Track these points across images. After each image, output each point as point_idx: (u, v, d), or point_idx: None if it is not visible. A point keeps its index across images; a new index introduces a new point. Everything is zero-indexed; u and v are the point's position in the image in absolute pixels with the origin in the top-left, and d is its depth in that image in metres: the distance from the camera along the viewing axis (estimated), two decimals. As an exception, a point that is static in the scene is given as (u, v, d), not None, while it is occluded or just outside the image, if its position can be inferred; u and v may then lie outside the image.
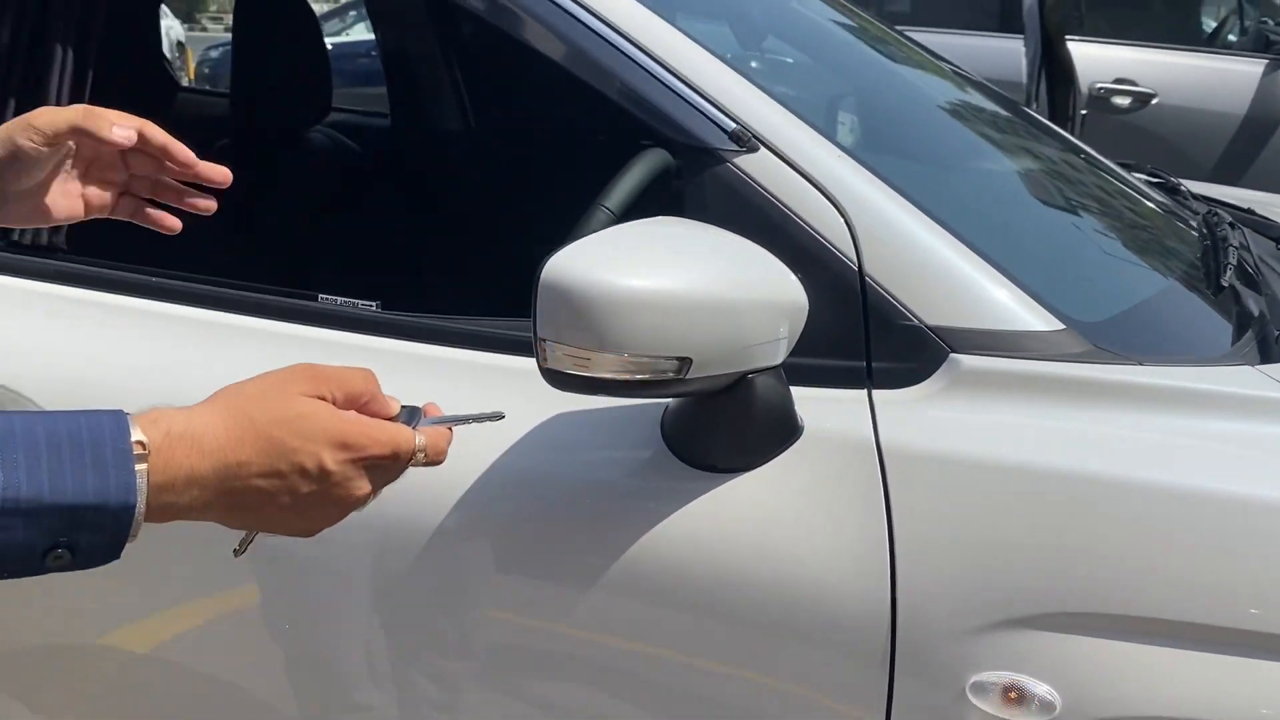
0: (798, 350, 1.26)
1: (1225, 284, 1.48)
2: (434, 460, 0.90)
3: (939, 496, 1.18)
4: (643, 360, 1.09)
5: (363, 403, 0.88)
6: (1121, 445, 1.18)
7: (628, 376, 1.09)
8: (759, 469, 1.22)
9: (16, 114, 1.22)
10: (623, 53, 1.34)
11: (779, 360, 1.19)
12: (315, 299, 1.42)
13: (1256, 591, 1.11)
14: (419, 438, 0.89)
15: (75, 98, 1.64)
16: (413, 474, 0.91)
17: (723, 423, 1.21)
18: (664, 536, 1.22)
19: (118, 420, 0.78)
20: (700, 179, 1.31)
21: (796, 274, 1.25)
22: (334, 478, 0.84)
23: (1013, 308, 1.26)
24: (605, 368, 1.08)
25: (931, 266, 1.26)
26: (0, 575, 0.75)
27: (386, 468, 0.87)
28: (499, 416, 0.94)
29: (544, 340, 1.08)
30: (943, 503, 1.18)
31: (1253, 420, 1.20)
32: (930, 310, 1.25)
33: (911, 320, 1.25)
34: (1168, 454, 1.18)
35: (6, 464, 0.72)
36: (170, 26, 4.27)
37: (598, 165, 1.38)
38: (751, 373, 1.17)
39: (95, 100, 1.27)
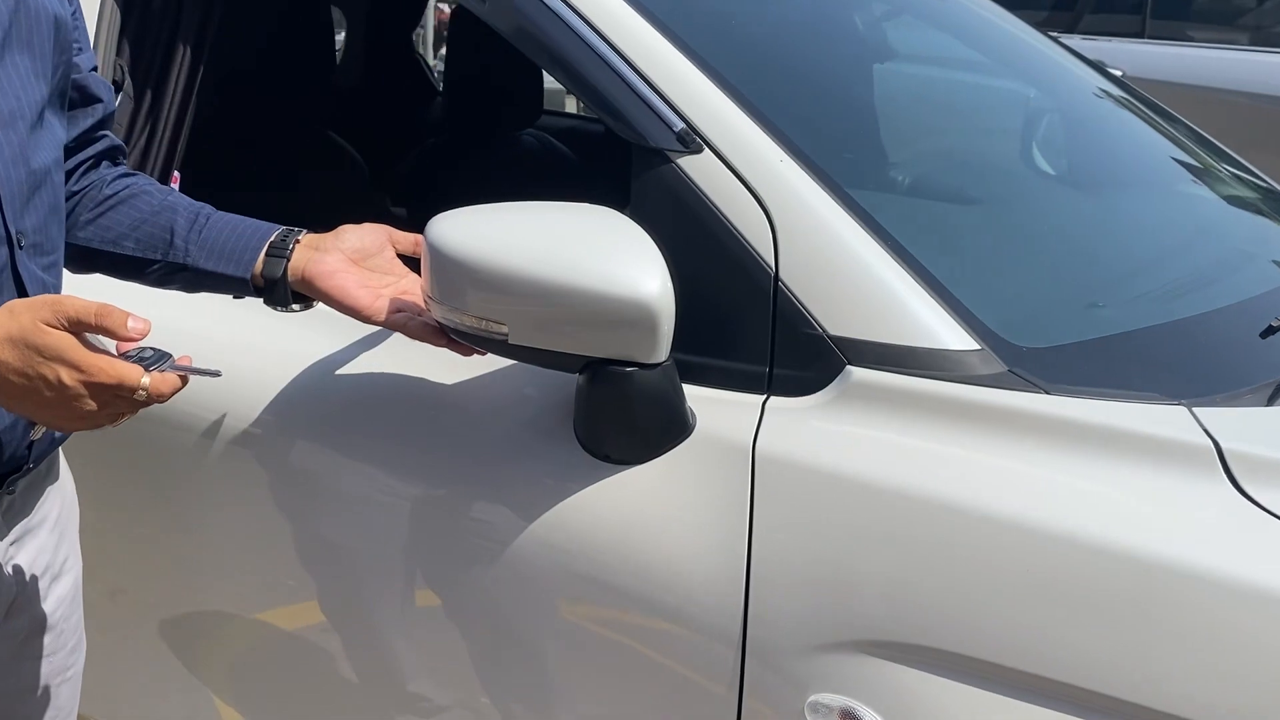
0: (707, 350, 1.26)
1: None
2: (155, 398, 1.05)
3: (799, 509, 1.16)
4: (468, 319, 1.18)
5: (94, 325, 1.04)
6: (989, 477, 1.11)
7: (462, 328, 1.19)
8: (648, 464, 1.24)
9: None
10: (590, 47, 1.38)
11: (641, 356, 1.19)
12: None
13: (1096, 648, 1.01)
14: (145, 378, 1.04)
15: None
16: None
17: (606, 413, 1.24)
18: (548, 518, 1.27)
19: None
20: (644, 177, 1.33)
21: (720, 277, 1.26)
22: (69, 391, 1.03)
23: (926, 323, 1.20)
24: (446, 317, 1.20)
25: (849, 275, 1.23)
26: None
27: (115, 393, 1.04)
28: (216, 374, 1.09)
29: (429, 297, 1.21)
30: (802, 516, 1.16)
31: (1146, 464, 1.09)
32: (836, 320, 1.22)
33: (815, 329, 1.22)
34: (1036, 491, 1.09)
35: None
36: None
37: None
38: (608, 361, 1.19)
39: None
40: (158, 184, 1.42)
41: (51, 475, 1.36)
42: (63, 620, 1.37)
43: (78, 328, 1.05)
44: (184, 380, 1.10)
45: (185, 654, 1.63)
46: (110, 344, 1.10)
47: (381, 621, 1.43)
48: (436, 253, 1.19)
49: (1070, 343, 1.26)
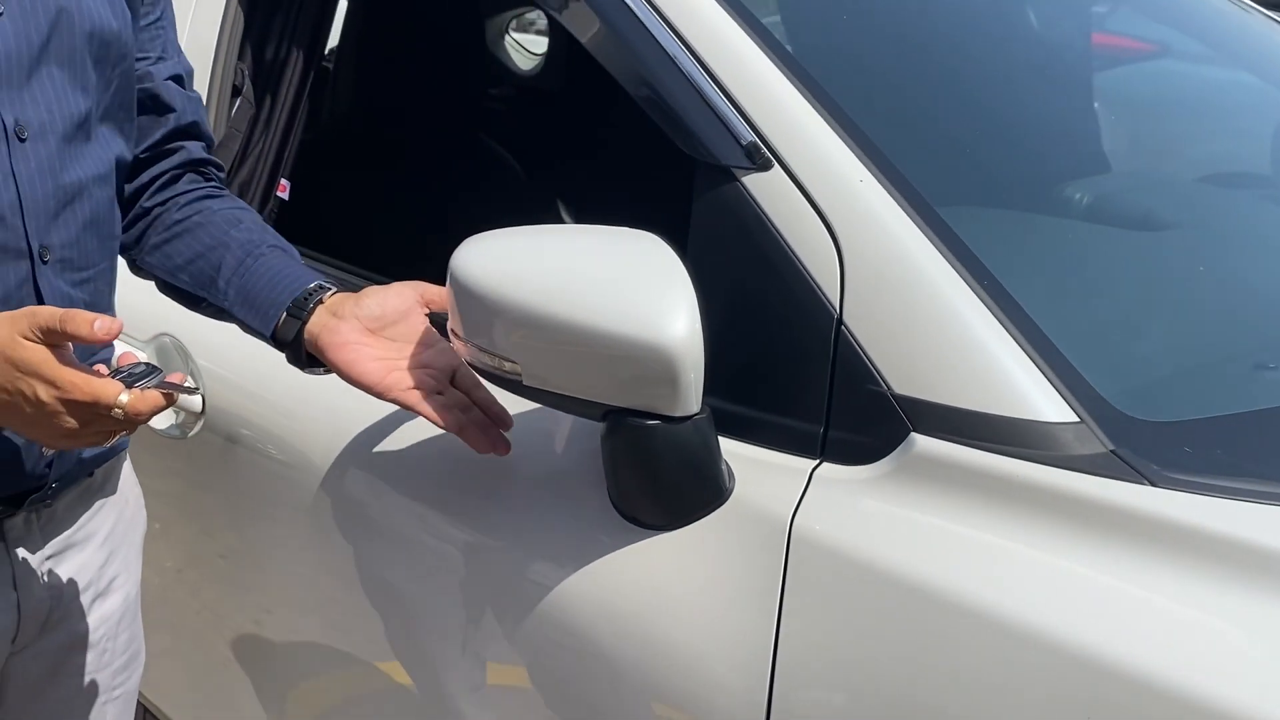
0: (758, 402, 1.07)
1: None
2: (132, 417, 0.99)
3: (832, 605, 0.95)
4: (482, 355, 1.04)
5: (60, 331, 0.99)
6: (1049, 585, 0.87)
7: (477, 364, 1.05)
8: (678, 531, 1.06)
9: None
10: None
11: (661, 408, 1.00)
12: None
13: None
14: (124, 395, 0.98)
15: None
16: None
17: (630, 471, 1.07)
18: (573, 581, 1.11)
19: None
20: (706, 197, 1.15)
21: (777, 316, 1.07)
22: (47, 408, 0.99)
23: (1013, 384, 0.97)
24: (467, 354, 1.06)
25: (924, 319, 1.01)
26: None
27: (92, 411, 0.99)
28: (195, 390, 1.05)
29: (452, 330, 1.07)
30: (834, 613, 0.95)
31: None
32: (903, 375, 1.00)
33: (879, 385, 1.01)
34: (1123, 622, 0.84)
35: None
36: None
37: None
38: (620, 411, 1.01)
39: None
40: (233, 210, 1.34)
41: (107, 489, 1.33)
42: (107, 639, 1.33)
43: (51, 337, 1.00)
44: (169, 399, 1.04)
45: (248, 671, 1.57)
46: (119, 352, 1.06)
47: (409, 652, 1.31)
48: (454, 280, 1.04)
49: (1209, 417, 0.99)
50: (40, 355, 0.99)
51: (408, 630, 1.30)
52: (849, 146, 1.11)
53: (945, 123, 1.33)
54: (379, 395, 1.16)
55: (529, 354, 1.02)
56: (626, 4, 1.22)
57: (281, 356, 1.33)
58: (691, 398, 1.00)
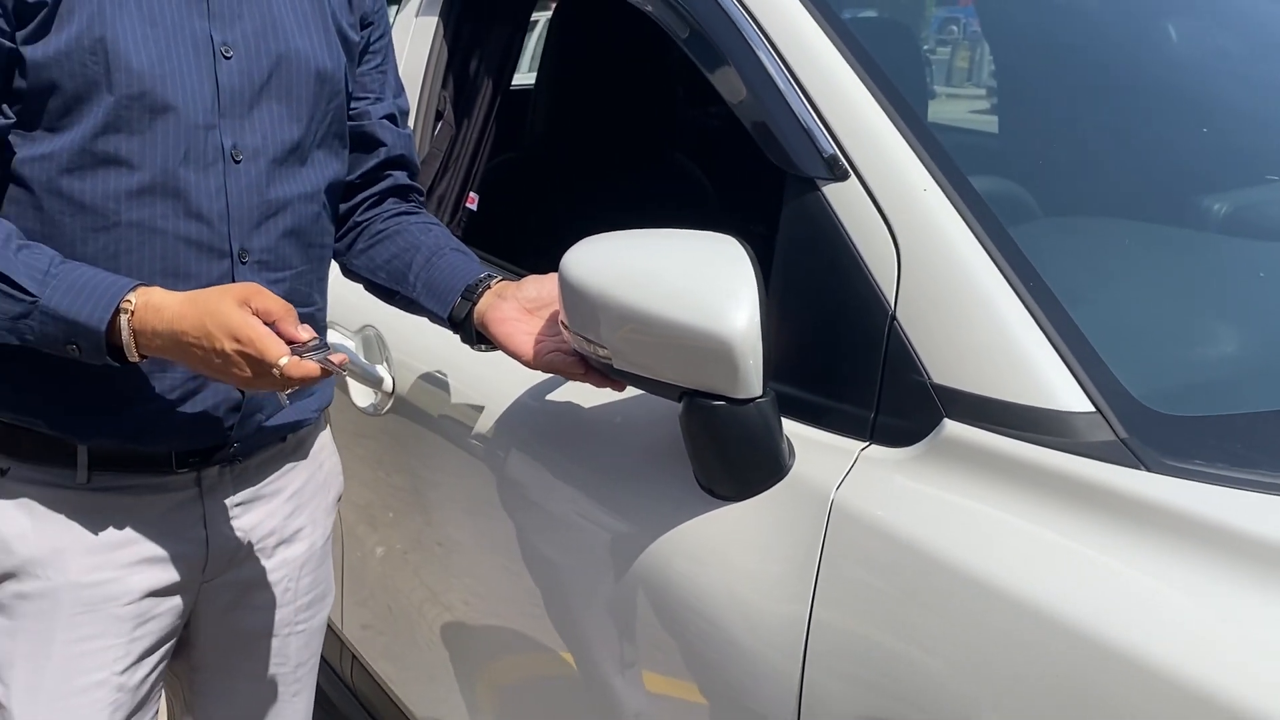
0: (822, 389, 1.19)
1: None
2: (289, 377, 1.17)
3: (861, 572, 1.06)
4: (584, 342, 1.19)
5: (273, 320, 1.19)
6: (1058, 564, 0.94)
7: (581, 350, 1.22)
8: (743, 503, 1.19)
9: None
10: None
11: (723, 390, 1.13)
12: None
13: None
14: (284, 359, 1.17)
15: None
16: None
17: (703, 446, 1.20)
18: (654, 546, 1.25)
19: (122, 284, 1.21)
20: (792, 205, 1.27)
21: (841, 311, 1.18)
22: (230, 355, 1.18)
23: (1037, 375, 1.05)
24: (576, 342, 1.23)
25: (964, 313, 1.10)
26: (43, 348, 1.21)
27: (259, 365, 1.17)
28: (347, 371, 1.24)
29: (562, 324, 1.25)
30: (863, 580, 1.05)
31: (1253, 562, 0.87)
32: (942, 366, 1.09)
33: (921, 375, 1.10)
34: (1110, 585, 0.91)
35: (51, 289, 1.20)
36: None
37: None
38: (698, 394, 1.15)
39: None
40: (425, 223, 1.58)
41: (299, 454, 1.54)
42: (289, 579, 1.53)
43: (264, 317, 1.20)
44: (324, 371, 1.22)
45: (448, 648, 1.79)
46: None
47: (568, 634, 1.48)
48: (562, 278, 1.22)
49: (1231, 414, 1.03)
50: (238, 316, 1.18)
51: (568, 613, 1.46)
52: (919, 154, 1.21)
53: (1004, 128, 1.39)
54: (526, 364, 1.37)
55: (619, 341, 1.17)
56: (736, 26, 1.36)
57: (465, 349, 1.55)
58: (752, 381, 1.13)
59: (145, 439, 1.35)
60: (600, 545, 1.36)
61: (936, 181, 1.19)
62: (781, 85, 1.30)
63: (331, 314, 2.01)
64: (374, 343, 1.89)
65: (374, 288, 1.59)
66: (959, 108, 1.96)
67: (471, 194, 1.96)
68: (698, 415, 1.17)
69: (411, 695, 1.93)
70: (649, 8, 1.49)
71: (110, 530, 1.35)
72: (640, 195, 2.46)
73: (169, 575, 1.40)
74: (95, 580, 1.35)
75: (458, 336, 1.47)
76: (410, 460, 1.78)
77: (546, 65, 2.33)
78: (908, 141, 1.22)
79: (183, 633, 1.47)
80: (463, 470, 1.64)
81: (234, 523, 1.45)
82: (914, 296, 1.14)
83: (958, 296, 1.11)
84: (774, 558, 1.14)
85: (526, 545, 1.49)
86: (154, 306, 1.21)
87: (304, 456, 1.55)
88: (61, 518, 1.34)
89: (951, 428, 1.07)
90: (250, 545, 1.47)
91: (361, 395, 1.90)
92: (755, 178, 2.74)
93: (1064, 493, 0.98)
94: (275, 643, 1.55)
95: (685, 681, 1.23)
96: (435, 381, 1.73)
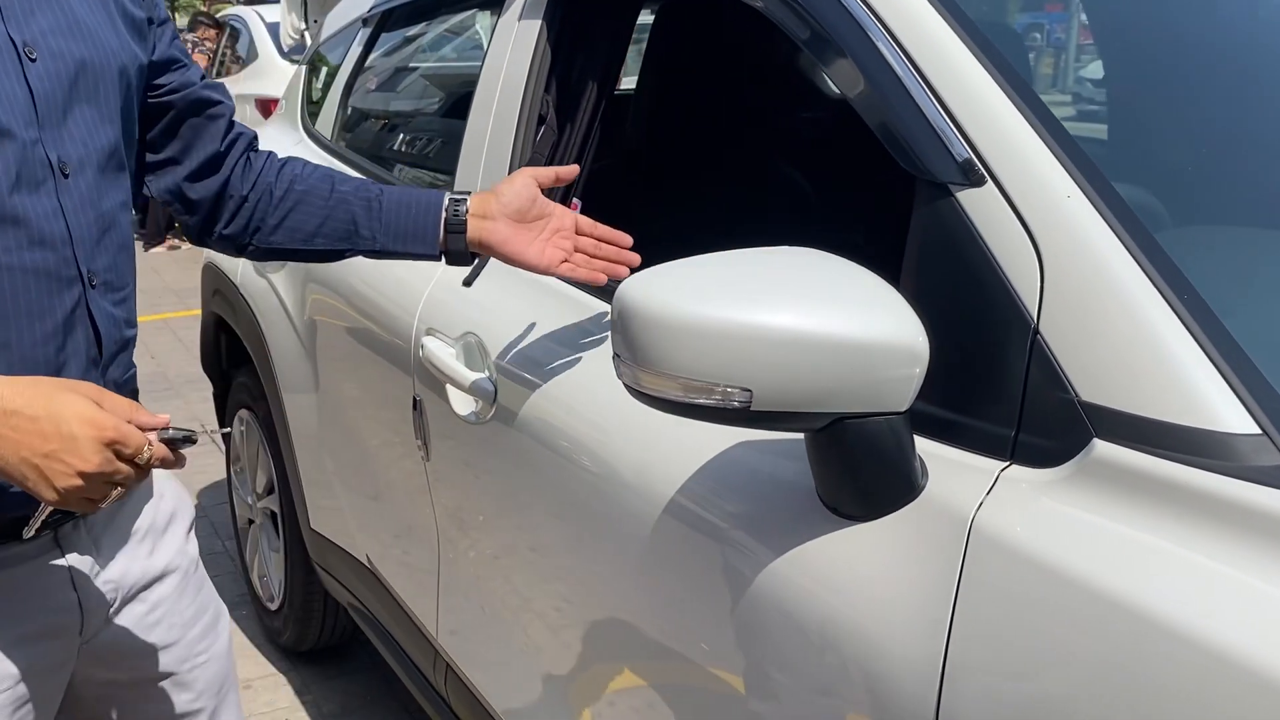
0: (959, 406, 1.13)
1: None
2: (150, 463, 1.13)
3: (1003, 600, 1.00)
4: (697, 385, 1.08)
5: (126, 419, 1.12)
6: (1224, 597, 0.88)
7: (688, 399, 1.10)
8: (872, 523, 1.14)
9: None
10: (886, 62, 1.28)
11: (885, 407, 1.08)
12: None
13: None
14: (146, 446, 1.12)
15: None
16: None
17: (832, 467, 1.15)
18: (774, 567, 1.21)
19: None
20: (923, 212, 1.22)
21: (980, 324, 1.13)
22: (77, 441, 1.07)
23: (1197, 393, 0.98)
24: (665, 388, 1.10)
25: (1115, 328, 1.04)
26: None
27: (105, 459, 1.09)
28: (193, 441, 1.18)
29: (616, 356, 1.15)
30: (1004, 608, 1.00)
31: None
32: (1091, 382, 1.03)
33: (1068, 392, 1.05)
34: (1258, 609, 0.85)
35: None
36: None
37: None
38: (848, 416, 1.10)
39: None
40: (313, 167, 1.55)
41: (142, 493, 1.44)
42: (170, 614, 1.43)
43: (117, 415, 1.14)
44: (177, 454, 1.18)
45: (544, 653, 1.76)
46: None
47: (673, 645, 1.44)
48: (661, 318, 1.07)
49: None
50: (93, 409, 1.10)
51: (676, 627, 1.43)
52: (1061, 160, 1.15)
53: (1154, 136, 1.32)
54: (544, 273, 1.51)
55: (771, 376, 1.05)
56: (861, 26, 1.31)
57: (573, 356, 1.54)
58: (914, 393, 1.08)
59: (12, 505, 1.20)
60: (713, 558, 1.31)
61: (1080, 187, 1.13)
62: (910, 86, 1.25)
63: (429, 320, 2.00)
64: (475, 350, 1.87)
65: (306, 254, 1.54)
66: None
67: (575, 200, 1.93)
68: (834, 437, 1.11)
69: (506, 704, 1.90)
70: (766, 8, 1.44)
71: None
72: (740, 203, 2.42)
73: (47, 647, 1.28)
74: None
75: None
76: (511, 469, 1.75)
77: (647, 69, 2.30)
78: (1047, 145, 1.16)
79: (66, 696, 1.36)
80: (566, 481, 1.61)
81: (102, 575, 1.35)
82: (1059, 308, 1.08)
83: (1107, 309, 1.05)
84: (906, 582, 1.08)
85: (634, 558, 1.45)
86: None
87: (148, 494, 1.45)
88: None
89: (1102, 448, 1.01)
90: (120, 593, 1.37)
91: (462, 403, 1.88)
92: (858, 184, 2.70)
93: (1228, 520, 0.92)
94: (183, 678, 1.46)
95: (804, 710, 1.18)
96: (538, 390, 1.70)
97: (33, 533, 1.18)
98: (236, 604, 3.43)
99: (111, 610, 1.37)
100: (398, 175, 2.54)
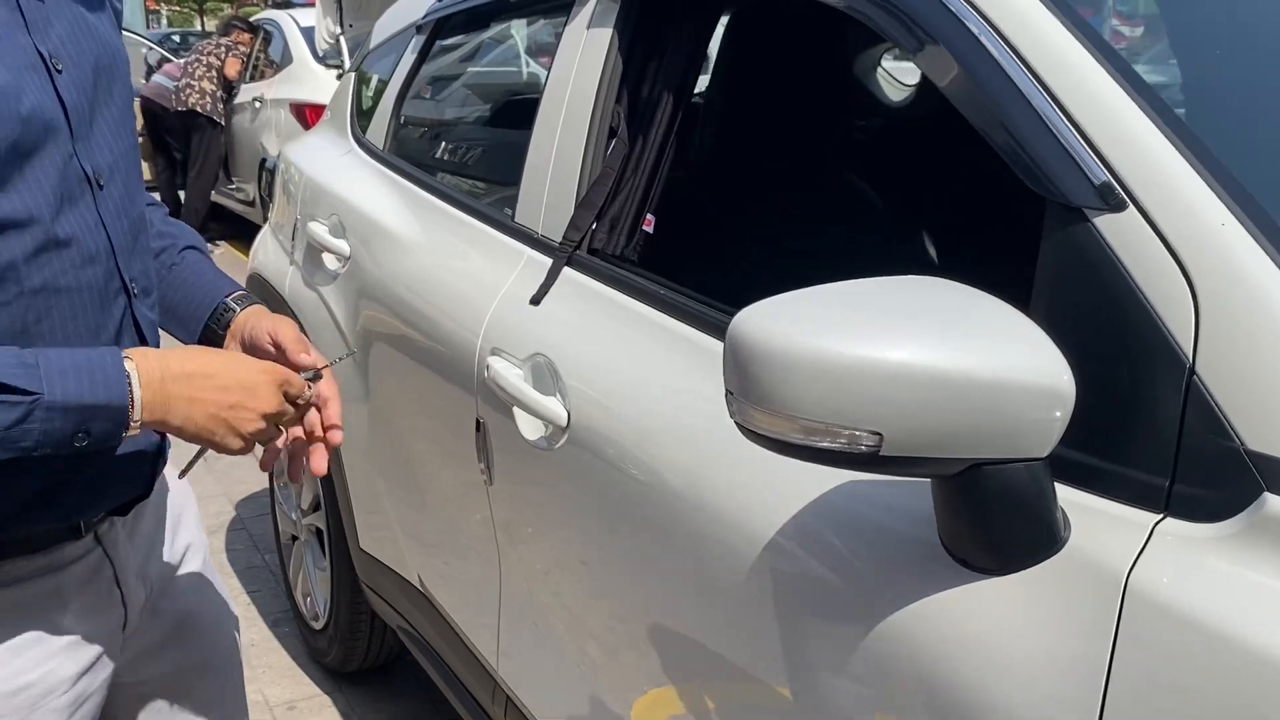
0: (1101, 451, 1.05)
1: None
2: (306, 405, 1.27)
3: (1166, 670, 0.91)
4: (821, 426, 1.00)
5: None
6: None
7: (809, 442, 1.02)
8: (1006, 576, 1.05)
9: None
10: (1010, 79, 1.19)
11: (1026, 452, 1.00)
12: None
13: None
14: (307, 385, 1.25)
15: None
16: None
17: (963, 515, 1.06)
18: (894, 619, 1.12)
19: (106, 350, 1.10)
20: (1056, 238, 1.13)
21: (1124, 363, 1.04)
22: (259, 388, 1.18)
23: (1387, 448, 0.89)
24: (784, 429, 1.02)
25: (1287, 375, 0.95)
26: (42, 451, 1.05)
27: (277, 400, 1.20)
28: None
29: (730, 393, 1.07)
30: (1168, 680, 0.91)
31: None
32: (1259, 431, 0.95)
33: (1231, 440, 0.96)
34: None
35: (47, 381, 1.05)
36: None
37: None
38: (985, 462, 1.01)
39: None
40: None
41: (163, 486, 1.45)
42: (203, 602, 1.49)
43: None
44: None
45: (599, 670, 1.67)
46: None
47: (746, 675, 1.36)
48: (769, 352, 0.99)
49: None
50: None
51: (747, 654, 1.35)
52: (1210, 187, 1.06)
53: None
54: None
55: (899, 419, 0.97)
56: (977, 39, 1.23)
57: (645, 377, 1.44)
58: (1058, 438, 1.00)
59: (72, 511, 1.22)
60: (824, 605, 1.23)
61: (1232, 213, 1.04)
62: (1038, 104, 1.17)
63: (494, 339, 1.93)
64: (545, 371, 1.79)
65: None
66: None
67: (648, 216, 1.85)
68: (967, 484, 1.03)
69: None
70: (874, 21, 1.36)
71: (30, 623, 1.21)
72: (809, 216, 2.34)
73: (96, 648, 1.29)
74: (25, 684, 1.20)
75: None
76: (586, 498, 1.67)
77: (718, 78, 2.22)
78: (1192, 166, 1.08)
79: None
80: (648, 515, 1.52)
81: (139, 570, 1.36)
82: (1218, 347, 0.99)
83: (1275, 348, 0.96)
84: (1048, 646, 0.99)
85: (729, 603, 1.37)
86: (154, 359, 1.12)
87: (164, 485, 1.46)
88: None
89: (1275, 503, 0.92)
90: (153, 585, 1.39)
91: (531, 428, 1.80)
92: (933, 199, 2.62)
93: None
94: (214, 665, 1.51)
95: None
96: (617, 416, 1.62)
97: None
98: (279, 621, 3.37)
99: (148, 600, 1.38)
100: (456, 188, 2.47)
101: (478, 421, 1.96)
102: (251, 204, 8.57)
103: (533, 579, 1.89)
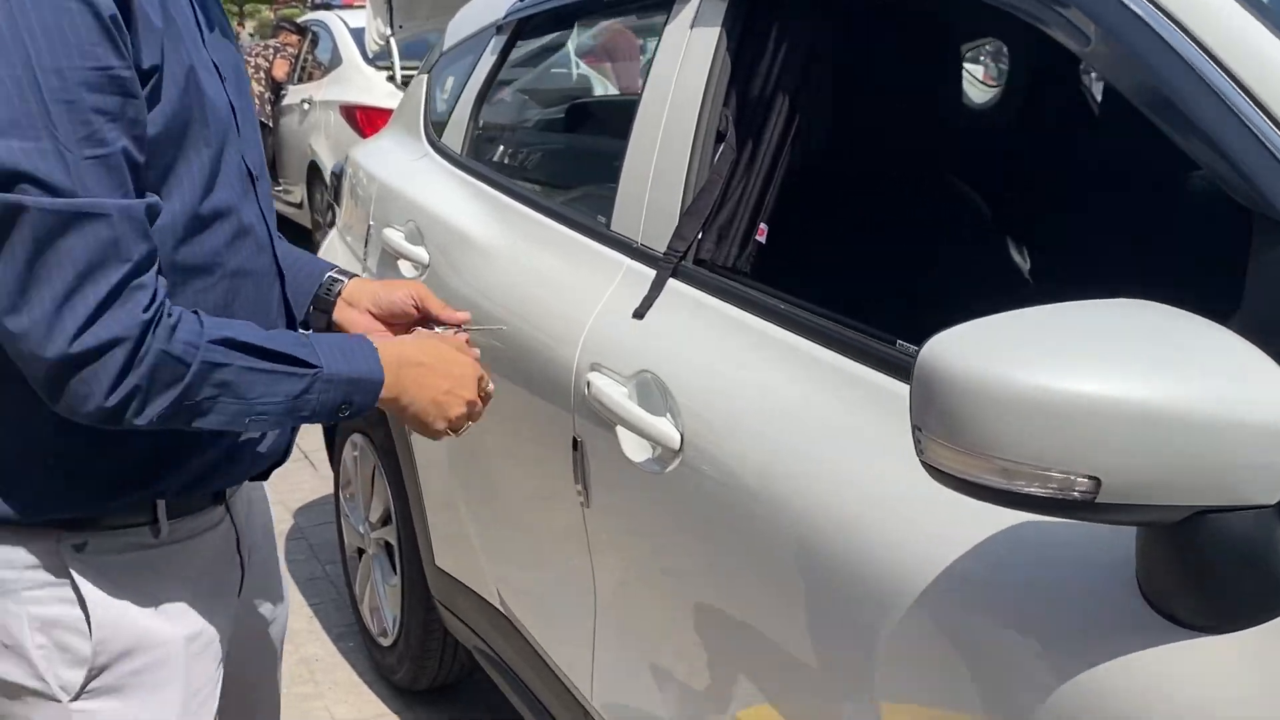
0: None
1: None
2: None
3: None
4: (1026, 470, 0.90)
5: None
6: None
7: (1010, 486, 0.91)
8: (1226, 635, 0.94)
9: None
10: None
11: (1246, 498, 0.90)
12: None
13: None
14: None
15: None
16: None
17: (1174, 565, 0.96)
18: (1088, 676, 1.01)
19: (361, 336, 1.31)
20: (1271, 255, 1.02)
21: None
22: (467, 371, 1.36)
23: None
24: (982, 472, 0.92)
25: None
26: (315, 420, 1.22)
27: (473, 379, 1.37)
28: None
29: (917, 429, 0.97)
30: None
31: None
32: None
33: None
34: None
35: (324, 355, 1.21)
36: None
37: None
38: (1209, 510, 0.91)
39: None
40: None
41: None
42: (273, 574, 1.57)
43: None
44: None
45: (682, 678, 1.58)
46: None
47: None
48: (969, 387, 0.90)
49: None
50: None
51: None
52: None
53: None
54: None
55: (1120, 463, 0.87)
56: (1175, 49, 1.12)
57: (782, 403, 1.45)
58: None
59: (220, 476, 1.33)
60: (993, 655, 1.12)
61: None
62: (1245, 111, 1.06)
63: (594, 354, 1.83)
64: (653, 389, 1.69)
65: None
66: None
67: (761, 225, 1.75)
68: (1196, 531, 0.92)
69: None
70: (1045, 26, 1.26)
71: (192, 578, 1.33)
72: (921, 223, 2.24)
73: (229, 605, 1.40)
74: (197, 630, 1.32)
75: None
76: (701, 526, 1.57)
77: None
78: None
79: None
80: (778, 547, 1.42)
81: (250, 536, 1.46)
82: None
83: None
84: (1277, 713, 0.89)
85: (872, 645, 1.27)
86: (391, 346, 1.29)
87: None
88: (151, 580, 1.29)
89: None
90: (252, 552, 1.47)
91: (636, 449, 1.70)
92: (1044, 206, 2.51)
93: None
94: (274, 630, 1.56)
95: None
96: (739, 440, 1.52)
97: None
98: (343, 635, 3.29)
99: (250, 566, 1.46)
100: (541, 194, 2.38)
101: (575, 440, 1.86)
102: (299, 206, 8.53)
103: (634, 608, 1.80)
